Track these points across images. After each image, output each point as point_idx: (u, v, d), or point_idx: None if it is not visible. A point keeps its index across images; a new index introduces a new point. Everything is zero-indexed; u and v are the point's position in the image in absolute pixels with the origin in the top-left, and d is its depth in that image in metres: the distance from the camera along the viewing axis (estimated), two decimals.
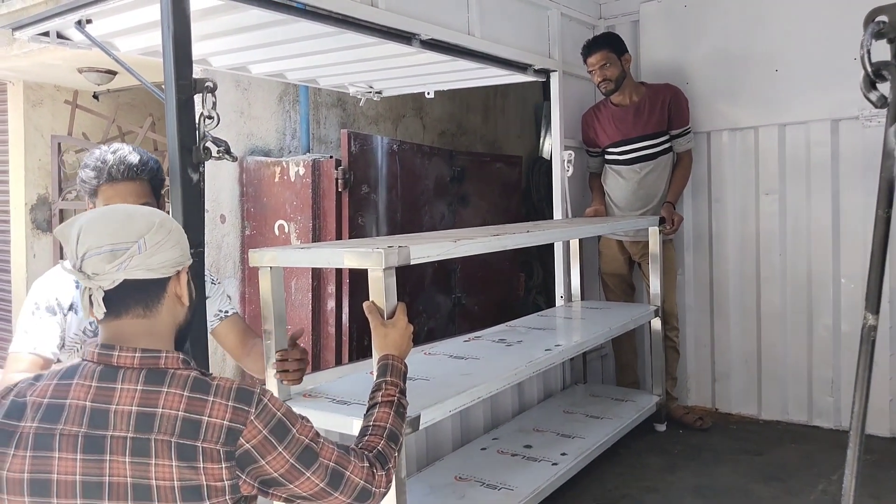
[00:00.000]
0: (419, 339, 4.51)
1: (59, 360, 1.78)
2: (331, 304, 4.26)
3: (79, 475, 1.07)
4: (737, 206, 3.72)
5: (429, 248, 1.89)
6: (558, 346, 2.62)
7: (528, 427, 3.07)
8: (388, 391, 1.49)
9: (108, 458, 1.07)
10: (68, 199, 4.45)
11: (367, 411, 1.46)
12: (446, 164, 5.07)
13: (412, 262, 1.81)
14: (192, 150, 1.96)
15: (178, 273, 1.20)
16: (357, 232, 4.20)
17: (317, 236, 4.23)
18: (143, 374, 1.13)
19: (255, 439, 1.13)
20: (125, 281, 1.13)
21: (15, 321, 5.20)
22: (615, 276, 3.74)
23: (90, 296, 1.13)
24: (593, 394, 3.58)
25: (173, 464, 1.08)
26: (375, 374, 1.55)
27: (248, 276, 4.41)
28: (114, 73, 4.55)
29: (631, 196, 3.58)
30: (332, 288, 4.24)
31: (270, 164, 4.32)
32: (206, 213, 4.20)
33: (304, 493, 1.19)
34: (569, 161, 3.57)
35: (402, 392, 1.53)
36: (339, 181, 4.15)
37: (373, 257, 1.72)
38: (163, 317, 1.19)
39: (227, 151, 1.99)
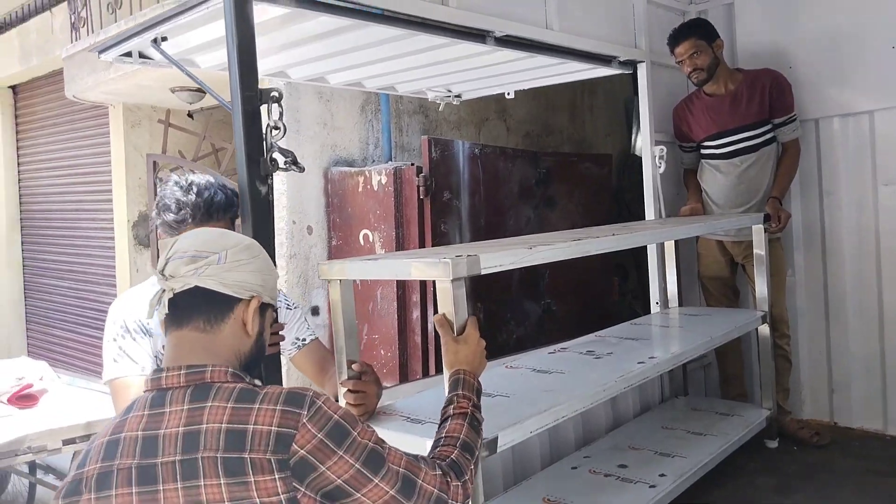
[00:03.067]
0: (506, 349, 4.38)
1: None
2: (416, 313, 4.19)
3: None
4: (852, 199, 3.37)
5: (501, 256, 1.76)
6: (653, 358, 2.42)
7: (623, 444, 2.86)
8: (461, 404, 1.38)
9: (160, 487, 1.02)
10: None
11: (440, 426, 1.36)
12: (531, 166, 4.92)
13: (483, 272, 1.68)
14: (260, 162, 1.91)
15: (251, 300, 1.16)
16: (440, 239, 4.12)
17: (400, 245, 4.18)
18: (189, 392, 1.07)
19: (311, 444, 1.04)
20: (196, 288, 1.11)
21: None
22: (716, 280, 3.47)
23: (160, 296, 1.12)
24: (695, 408, 3.32)
25: (222, 481, 1.00)
26: (447, 389, 1.44)
27: None
28: (203, 91, 4.69)
29: (731, 192, 3.31)
30: (416, 297, 4.17)
31: (354, 174, 4.31)
32: (293, 225, 4.26)
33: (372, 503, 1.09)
34: (660, 157, 3.33)
35: (476, 406, 1.41)
36: (421, 188, 4.08)
37: (440, 268, 1.61)
38: (224, 337, 1.14)
39: (295, 162, 1.93)
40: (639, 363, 2.35)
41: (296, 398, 1.06)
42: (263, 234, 1.91)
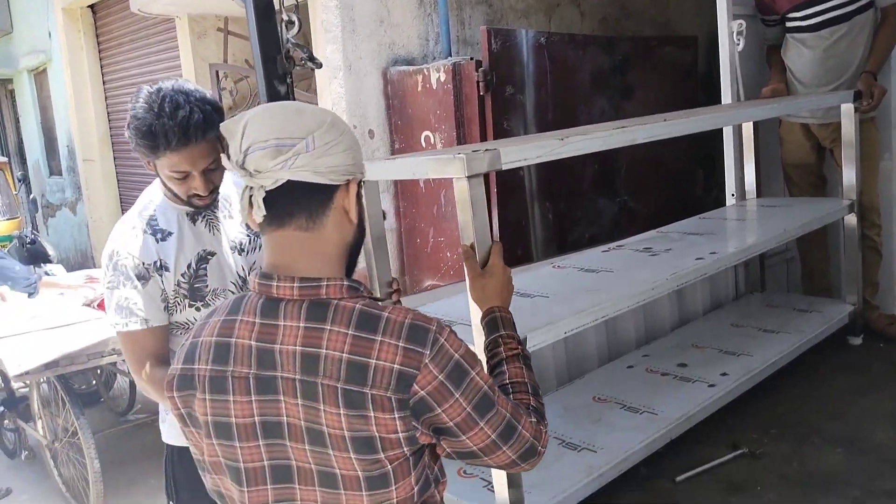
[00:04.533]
0: (578, 249, 4.24)
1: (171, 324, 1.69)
2: None
3: (256, 417, 1.01)
4: None
5: (525, 149, 1.63)
6: (714, 254, 2.25)
7: (687, 343, 2.74)
8: (509, 345, 1.29)
9: (282, 398, 1.00)
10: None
11: (495, 369, 1.28)
12: (605, 53, 4.59)
13: (504, 167, 1.57)
14: (277, 60, 1.83)
15: (348, 183, 1.05)
16: (502, 137, 3.96)
17: (462, 143, 4.06)
18: (305, 308, 1.01)
19: (431, 385, 0.99)
20: (289, 182, 0.99)
21: None
22: (800, 167, 3.16)
23: (250, 196, 1.00)
24: (771, 304, 3.12)
25: (341, 412, 0.97)
26: (484, 330, 1.36)
27: (401, 191, 4.37)
28: None
29: (818, 68, 2.94)
30: None
31: (412, 73, 4.16)
32: (354, 130, 4.21)
33: (472, 447, 1.06)
34: (739, 33, 2.99)
35: (522, 344, 1.33)
36: (480, 84, 3.90)
37: (455, 164, 1.50)
38: (329, 232, 1.04)
39: (311, 58, 1.85)
40: (696, 259, 2.19)
41: (419, 333, 1.00)
42: None
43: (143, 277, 1.63)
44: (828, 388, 2.63)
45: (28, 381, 3.53)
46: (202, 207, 1.73)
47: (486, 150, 1.53)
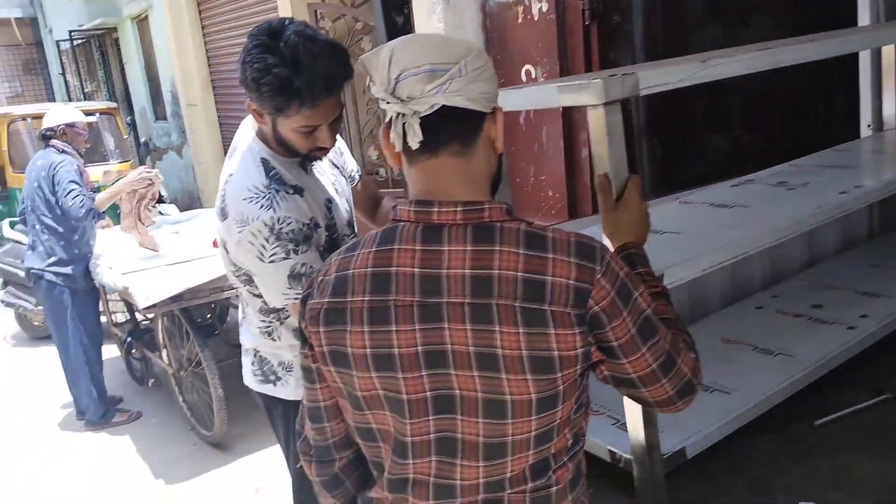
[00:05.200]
0: (688, 187, 4.05)
1: None
2: (584, 151, 3.98)
3: (420, 346, 1.00)
4: None
5: (665, 73, 1.52)
6: (858, 187, 2.07)
7: (819, 284, 2.58)
8: (649, 282, 1.23)
9: (447, 326, 0.99)
10: None
11: None
12: None
13: (643, 93, 1.47)
14: None
15: (494, 111, 1.04)
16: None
17: (565, 76, 3.91)
18: (469, 231, 1.00)
19: (605, 301, 0.99)
20: (443, 108, 0.98)
21: None
22: None
23: (404, 123, 0.99)
24: None
25: (520, 331, 0.96)
26: None
27: None
28: None
29: None
30: (584, 135, 3.94)
31: (512, 4, 4.01)
32: None
33: (632, 374, 1.04)
34: None
35: (660, 280, 1.30)
36: (586, 12, 3.70)
37: (591, 90, 1.41)
38: (479, 159, 1.03)
39: None
40: (840, 193, 2.03)
41: (587, 250, 1.00)
42: None
43: (308, 238, 1.55)
44: None
45: (153, 314, 3.75)
46: (316, 160, 1.67)
47: (624, 74, 1.44)
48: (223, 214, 1.58)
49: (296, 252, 1.51)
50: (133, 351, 4.34)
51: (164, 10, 7.30)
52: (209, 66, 7.30)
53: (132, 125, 7.74)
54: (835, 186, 2.11)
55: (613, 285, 0.99)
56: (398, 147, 1.01)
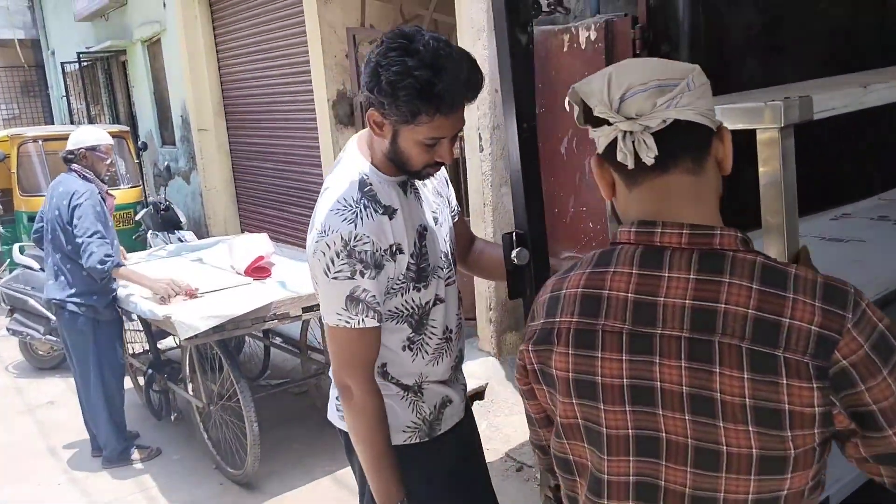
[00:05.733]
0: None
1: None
2: None
3: (626, 378, 0.93)
4: None
5: (832, 98, 1.42)
6: None
7: None
8: None
9: (657, 360, 0.91)
10: None
11: None
12: (755, 8, 4.24)
13: (815, 117, 1.37)
14: (519, 5, 1.67)
15: (720, 130, 0.97)
16: None
17: None
18: (695, 258, 0.92)
19: (856, 355, 0.86)
20: (675, 122, 0.92)
21: None
22: None
23: (633, 141, 0.93)
24: None
25: (745, 375, 0.87)
26: None
27: (540, 156, 4.19)
28: None
29: None
30: None
31: (558, 33, 3.94)
32: (494, 94, 4.04)
33: (891, 449, 0.89)
34: None
35: None
36: (637, 42, 3.64)
37: (767, 113, 1.32)
38: (710, 178, 0.97)
39: (560, 3, 1.67)
40: None
41: (837, 294, 0.88)
42: (527, 90, 1.69)
43: (379, 266, 1.46)
44: None
45: (180, 346, 3.57)
46: (427, 177, 1.58)
47: (800, 97, 1.34)
48: (312, 226, 1.51)
49: (362, 275, 1.43)
50: (154, 384, 4.14)
51: (179, 34, 7.21)
52: (223, 90, 7.20)
53: (144, 148, 7.59)
54: None
55: (868, 338, 0.87)
56: (630, 164, 0.94)
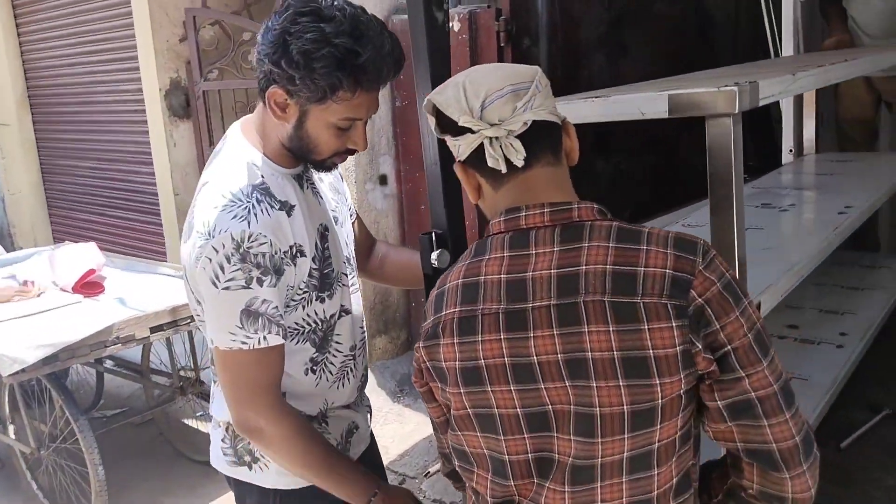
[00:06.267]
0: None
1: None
2: None
3: (506, 357, 0.95)
4: None
5: (771, 84, 1.39)
6: (850, 207, 2.11)
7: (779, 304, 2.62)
8: None
9: (531, 333, 0.94)
10: (211, 80, 4.11)
11: None
12: (603, 5, 4.41)
13: (760, 103, 1.33)
14: None
15: (565, 124, 1.06)
16: None
17: None
18: (558, 232, 0.97)
19: (709, 292, 0.91)
20: (534, 123, 0.99)
21: (166, 211, 5.10)
22: (859, 123, 3.11)
23: (500, 145, 0.99)
24: (840, 261, 3.04)
25: (610, 328, 0.90)
26: None
27: (403, 153, 4.05)
28: None
29: (890, 20, 2.88)
30: None
31: None
32: None
33: (751, 394, 0.93)
34: None
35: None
36: (501, 34, 3.62)
37: (722, 98, 1.25)
38: (564, 168, 1.05)
39: None
40: (840, 213, 2.05)
41: (686, 244, 0.94)
42: (443, 74, 1.52)
43: (279, 270, 1.24)
44: None
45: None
46: (332, 168, 1.39)
47: (749, 82, 1.29)
48: (189, 229, 1.26)
49: (259, 282, 1.21)
50: None
51: None
52: (27, 79, 6.27)
53: None
54: (827, 206, 2.14)
55: (719, 279, 0.92)
56: (503, 168, 0.99)
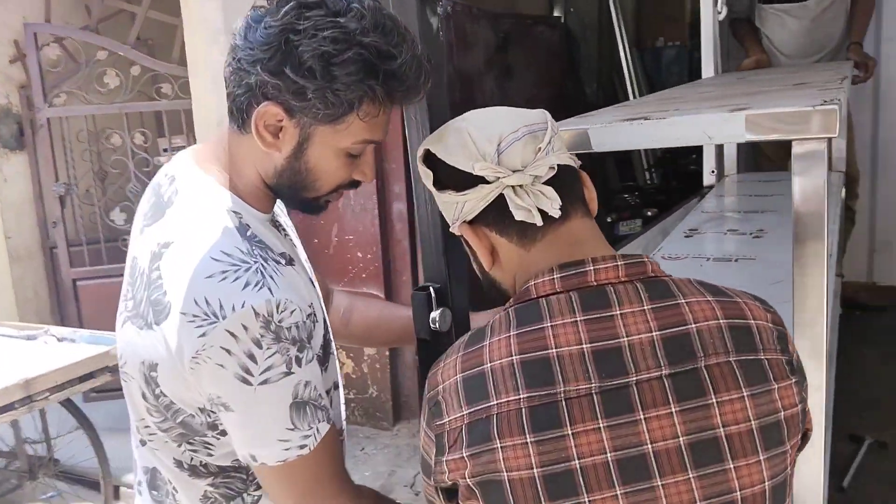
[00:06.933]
0: None
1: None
2: (399, 206, 3.57)
3: (609, 452, 0.75)
4: None
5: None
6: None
7: None
8: None
9: (641, 415, 0.75)
10: (57, 106, 3.43)
11: None
12: (492, 29, 4.31)
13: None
14: None
15: (581, 171, 0.92)
16: None
17: None
18: (641, 288, 0.81)
19: (797, 350, 0.83)
20: (559, 168, 0.86)
21: None
22: (778, 142, 3.14)
23: (529, 194, 0.84)
24: None
25: (744, 393, 0.76)
26: None
27: None
28: None
29: (804, 39, 2.92)
30: (398, 188, 3.53)
31: None
32: None
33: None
34: (723, 2, 2.84)
35: None
36: None
37: (821, 118, 1.03)
38: (593, 220, 0.91)
39: None
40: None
41: (758, 297, 0.85)
42: (441, 95, 1.21)
43: (311, 338, 0.93)
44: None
45: None
46: (324, 209, 1.07)
47: (834, 99, 1.08)
48: (160, 312, 0.91)
49: (298, 362, 0.91)
50: None
51: None
52: None
53: None
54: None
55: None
56: (538, 220, 0.84)
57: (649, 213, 4.79)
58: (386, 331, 1.34)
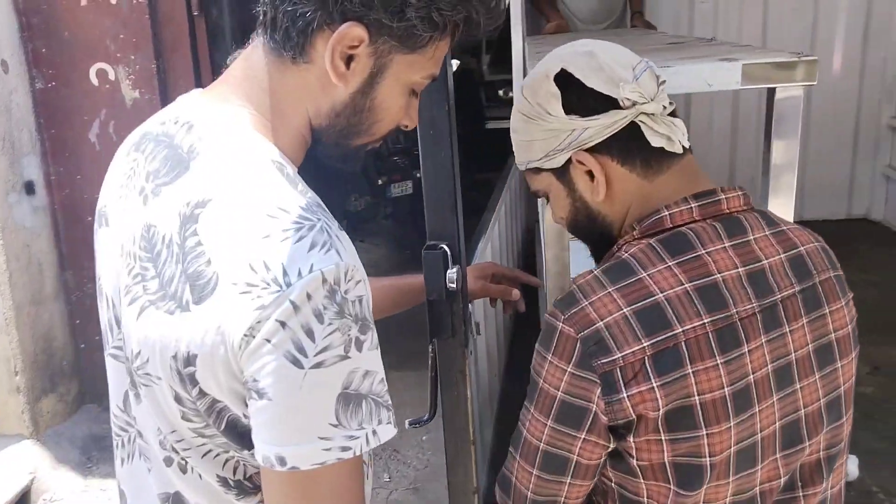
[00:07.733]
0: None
1: None
2: None
3: (770, 364, 0.83)
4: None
5: None
6: None
7: None
8: None
9: (787, 328, 0.84)
10: None
11: None
12: None
13: None
14: None
15: None
16: (223, 71, 3.11)
17: (164, 82, 3.05)
18: (759, 216, 0.90)
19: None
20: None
21: None
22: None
23: (664, 123, 0.87)
24: None
25: (841, 302, 0.89)
26: None
27: (52, 151, 3.06)
28: None
29: (597, 6, 3.18)
30: None
31: None
32: None
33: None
34: None
35: None
36: (193, 2, 2.97)
37: (804, 67, 1.16)
38: None
39: None
40: None
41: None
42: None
43: (372, 320, 0.77)
44: None
45: None
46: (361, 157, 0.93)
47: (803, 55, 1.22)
48: (203, 287, 0.70)
49: (358, 345, 0.71)
50: None
51: None
52: None
53: None
54: None
55: None
56: (678, 148, 0.87)
57: (419, 175, 4.93)
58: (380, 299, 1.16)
